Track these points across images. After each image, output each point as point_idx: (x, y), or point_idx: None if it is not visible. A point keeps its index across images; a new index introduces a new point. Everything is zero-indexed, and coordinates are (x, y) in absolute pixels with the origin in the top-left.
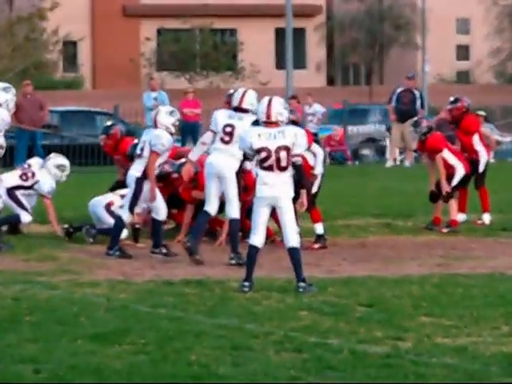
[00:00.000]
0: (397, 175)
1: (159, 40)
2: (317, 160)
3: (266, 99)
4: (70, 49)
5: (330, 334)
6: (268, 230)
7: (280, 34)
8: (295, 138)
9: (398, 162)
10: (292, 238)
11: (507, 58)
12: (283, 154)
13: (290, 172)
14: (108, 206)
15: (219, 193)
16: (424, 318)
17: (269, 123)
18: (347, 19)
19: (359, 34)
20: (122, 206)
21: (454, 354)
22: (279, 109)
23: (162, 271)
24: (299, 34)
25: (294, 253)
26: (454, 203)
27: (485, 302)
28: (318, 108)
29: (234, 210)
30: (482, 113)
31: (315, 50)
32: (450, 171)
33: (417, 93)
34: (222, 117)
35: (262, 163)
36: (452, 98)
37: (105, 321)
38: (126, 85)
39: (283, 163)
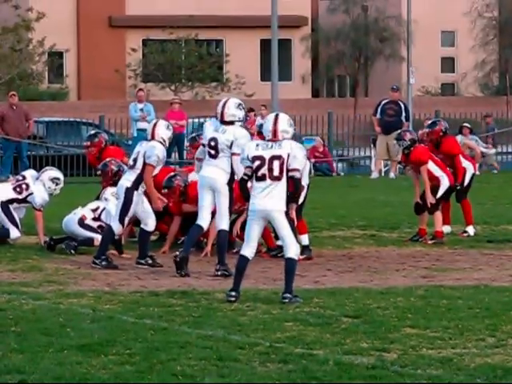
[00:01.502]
0: (382, 187)
1: (145, 51)
2: (304, 171)
3: (272, 117)
4: (55, 60)
5: (315, 345)
6: None
7: (265, 45)
8: (291, 150)
9: (382, 174)
10: (290, 249)
11: (492, 71)
12: (276, 164)
13: (283, 185)
14: (81, 222)
15: (212, 206)
16: (409, 330)
17: (273, 141)
18: (333, 31)
19: (344, 46)
20: (94, 219)
21: (439, 365)
22: (285, 127)
23: (147, 282)
24: (285, 45)
25: (289, 263)
26: (439, 215)
27: (470, 314)
28: None
29: (223, 222)
30: (468, 125)
31: (300, 62)
32: (435, 183)
33: (402, 105)
34: (208, 130)
35: (256, 173)
36: (429, 122)
37: (90, 331)
38: (111, 96)
39: (275, 172)
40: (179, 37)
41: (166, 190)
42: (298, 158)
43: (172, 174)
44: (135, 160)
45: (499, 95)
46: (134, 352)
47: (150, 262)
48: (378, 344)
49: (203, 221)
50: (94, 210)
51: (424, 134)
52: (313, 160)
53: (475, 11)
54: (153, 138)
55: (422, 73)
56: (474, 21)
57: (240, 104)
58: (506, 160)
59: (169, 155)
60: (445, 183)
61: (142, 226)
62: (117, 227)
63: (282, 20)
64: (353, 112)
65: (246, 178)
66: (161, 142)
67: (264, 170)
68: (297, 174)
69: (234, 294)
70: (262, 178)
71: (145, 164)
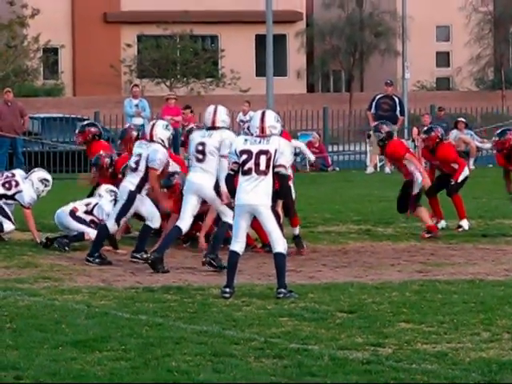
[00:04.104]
0: (377, 181)
1: (139, 46)
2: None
3: (258, 113)
4: (50, 56)
5: (310, 340)
6: (248, 237)
7: (261, 40)
8: (278, 146)
9: (378, 169)
10: (277, 244)
11: (487, 65)
12: (263, 158)
13: (269, 180)
14: (72, 213)
15: (195, 211)
16: (404, 324)
17: (261, 136)
18: (328, 26)
19: (339, 41)
20: (86, 212)
21: (434, 360)
22: (272, 122)
23: (142, 278)
24: (280, 40)
25: (278, 258)
26: (422, 210)
27: (465, 308)
28: None
29: (227, 216)
30: (463, 119)
31: (296, 57)
32: (409, 178)
33: (396, 99)
34: (195, 139)
35: (242, 167)
36: (425, 128)
37: (85, 327)
38: (106, 92)
39: (262, 167)
40: (174, 32)
41: (165, 190)
42: (285, 154)
43: (171, 172)
44: (137, 163)
45: (494, 90)
46: (129, 348)
47: (144, 256)
48: (372, 339)
49: (183, 222)
50: (86, 205)
51: (420, 141)
52: None
53: (470, 6)
54: (151, 138)
55: (417, 67)
56: (469, 15)
57: (227, 111)
58: None
59: None
60: (418, 179)
61: (147, 222)
62: (112, 226)
63: (277, 15)
64: (348, 107)
65: (232, 173)
66: (161, 144)
67: (250, 164)
68: (282, 170)
69: (228, 290)
70: (247, 172)
71: (147, 167)
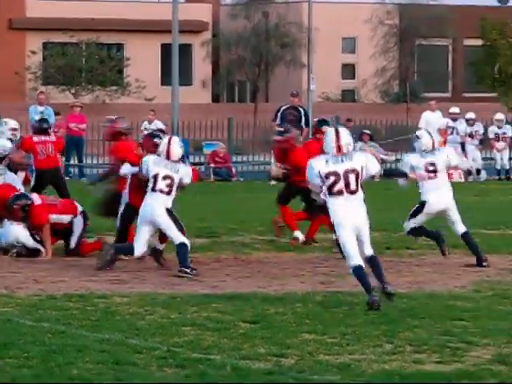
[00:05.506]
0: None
1: (45, 53)
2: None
3: (332, 132)
4: None
5: (213, 349)
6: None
7: (166, 49)
8: (364, 161)
9: None
10: (367, 249)
11: (392, 78)
12: (352, 177)
13: (362, 196)
14: None
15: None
16: (307, 335)
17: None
18: (233, 36)
19: (245, 51)
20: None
21: (336, 371)
22: (348, 140)
23: (45, 285)
24: (185, 50)
25: (373, 260)
26: None
27: (367, 320)
28: (160, 125)
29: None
30: (368, 131)
31: (201, 67)
32: None
33: (301, 110)
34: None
35: (330, 189)
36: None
37: None
38: (10, 98)
39: (352, 186)
40: (80, 40)
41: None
42: (373, 166)
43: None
44: (170, 186)
45: (399, 102)
46: (32, 355)
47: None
48: (275, 349)
49: None
50: None
51: None
52: (213, 165)
53: (376, 18)
54: (168, 157)
55: (322, 79)
56: (375, 28)
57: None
58: None
59: (68, 158)
60: None
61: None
62: (184, 238)
63: (183, 25)
64: (253, 117)
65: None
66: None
67: (340, 186)
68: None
69: (375, 294)
70: (339, 194)
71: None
